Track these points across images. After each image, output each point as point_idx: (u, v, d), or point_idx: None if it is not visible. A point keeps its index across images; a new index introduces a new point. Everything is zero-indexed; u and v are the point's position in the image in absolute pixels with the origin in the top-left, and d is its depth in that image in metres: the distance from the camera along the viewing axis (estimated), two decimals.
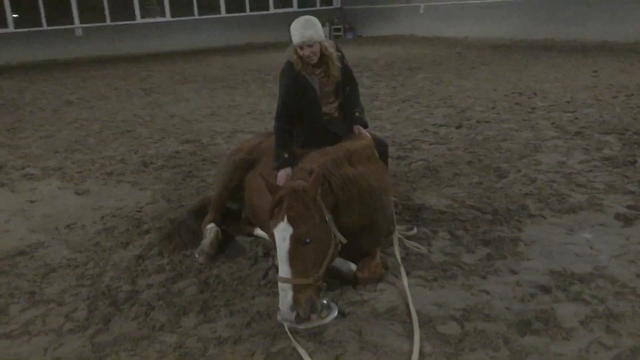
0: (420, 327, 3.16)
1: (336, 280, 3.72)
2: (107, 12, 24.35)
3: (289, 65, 4.21)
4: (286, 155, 4.13)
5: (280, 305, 3.21)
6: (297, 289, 3.14)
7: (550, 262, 3.88)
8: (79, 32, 24.10)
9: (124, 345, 3.24)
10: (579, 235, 4.27)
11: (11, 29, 23.27)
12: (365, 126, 4.48)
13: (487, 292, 3.54)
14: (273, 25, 25.09)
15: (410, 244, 4.21)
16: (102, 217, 5.28)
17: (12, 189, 6.33)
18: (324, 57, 4.22)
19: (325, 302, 3.37)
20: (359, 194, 3.60)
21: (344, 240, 3.41)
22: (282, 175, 4.01)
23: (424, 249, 4.13)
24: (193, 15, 25.51)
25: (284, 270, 3.16)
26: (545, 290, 3.52)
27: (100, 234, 4.89)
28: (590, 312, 3.27)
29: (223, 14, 25.65)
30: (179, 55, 21.68)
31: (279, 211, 3.25)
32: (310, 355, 2.95)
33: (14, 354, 3.24)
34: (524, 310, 3.32)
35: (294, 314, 3.15)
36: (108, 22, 24.46)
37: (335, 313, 3.34)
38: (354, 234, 3.70)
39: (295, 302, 3.13)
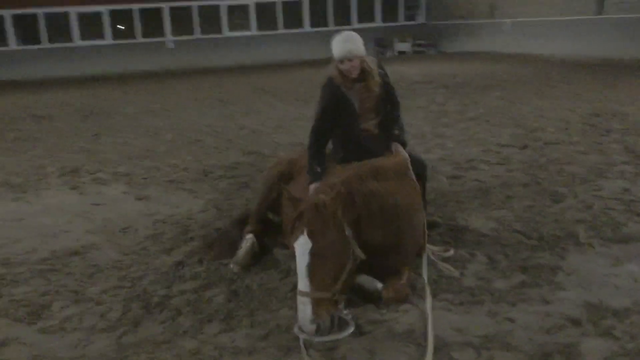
0: (434, 351, 3.10)
1: (360, 297, 3.71)
2: (196, 25, 25.36)
3: (329, 80, 4.27)
4: (319, 170, 4.17)
5: (299, 319, 3.24)
6: (316, 303, 3.17)
7: (587, 293, 3.70)
8: (170, 45, 25.20)
9: (145, 347, 3.37)
10: (625, 266, 4.05)
11: (109, 40, 24.66)
12: (404, 145, 4.45)
13: (513, 321, 3.42)
14: None
15: (443, 266, 4.14)
16: (154, 223, 5.51)
17: (81, 192, 6.71)
18: (364, 73, 4.24)
19: (342, 316, 3.37)
20: (381, 210, 3.58)
21: (363, 256, 3.40)
22: (313, 189, 4.04)
23: (455, 272, 4.05)
24: (277, 29, 26.11)
25: (303, 284, 3.20)
26: (575, 322, 3.36)
27: (148, 239, 5.11)
28: (618, 348, 3.09)
29: (307, 28, 26.13)
30: (262, 68, 22.25)
31: (299, 225, 3.29)
32: None
33: (46, 348, 3.44)
34: (547, 342, 3.19)
35: (313, 327, 3.17)
36: (198, 35, 25.45)
37: (352, 329, 3.33)
38: (380, 252, 3.71)
39: (315, 315, 3.15)
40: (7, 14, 23.57)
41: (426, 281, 3.81)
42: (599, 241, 4.50)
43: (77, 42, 24.46)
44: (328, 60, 4.28)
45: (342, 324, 3.34)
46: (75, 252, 4.91)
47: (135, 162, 8.01)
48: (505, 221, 5.02)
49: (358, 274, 3.84)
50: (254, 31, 26.18)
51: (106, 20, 24.51)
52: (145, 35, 25.10)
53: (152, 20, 25.07)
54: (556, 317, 3.43)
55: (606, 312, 3.46)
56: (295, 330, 3.28)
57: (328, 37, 4.57)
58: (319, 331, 3.19)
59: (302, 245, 3.21)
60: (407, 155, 4.31)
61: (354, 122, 4.32)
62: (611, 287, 3.75)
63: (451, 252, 4.38)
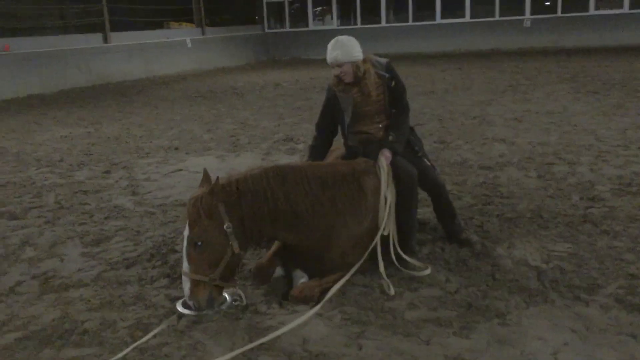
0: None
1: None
2: (558, 3, 24.01)
3: (329, 84, 4.39)
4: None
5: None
6: (193, 283, 3.57)
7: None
8: (527, 24, 24.51)
9: None
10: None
11: (467, 19, 25.32)
12: (395, 152, 4.25)
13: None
14: None
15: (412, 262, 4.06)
16: None
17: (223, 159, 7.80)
18: (357, 77, 4.24)
19: (228, 297, 3.71)
20: (270, 213, 3.67)
21: (237, 250, 3.59)
22: None
23: (425, 270, 3.98)
24: None
25: (184, 265, 3.63)
26: None
27: None
28: None
29: None
30: (635, 50, 19.92)
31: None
32: None
33: None
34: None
35: (191, 302, 3.63)
36: (558, 14, 24.10)
37: (227, 300, 3.69)
38: (305, 253, 3.85)
39: (192, 294, 3.58)
40: None
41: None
42: None
43: (438, 20, 25.74)
44: None
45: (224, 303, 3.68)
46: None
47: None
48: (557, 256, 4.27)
49: (293, 268, 4.05)
50: (625, 9, 23.40)
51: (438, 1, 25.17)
52: (503, 13, 24.90)
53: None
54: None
55: None
56: (177, 305, 3.73)
57: None
58: (197, 309, 3.60)
59: (185, 232, 3.62)
60: (383, 164, 4.14)
61: (343, 125, 4.35)
62: None
63: (428, 270, 4.07)
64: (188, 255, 3.57)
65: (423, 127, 9.26)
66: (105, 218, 5.68)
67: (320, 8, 27.85)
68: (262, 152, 8.16)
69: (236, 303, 3.74)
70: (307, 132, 9.29)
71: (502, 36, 24.72)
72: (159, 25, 24.25)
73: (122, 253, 4.80)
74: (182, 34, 23.08)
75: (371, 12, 27.07)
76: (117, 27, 21.03)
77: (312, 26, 27.77)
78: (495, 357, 3.11)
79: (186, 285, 3.57)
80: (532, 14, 24.56)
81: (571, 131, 8.36)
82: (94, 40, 18.56)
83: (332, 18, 27.70)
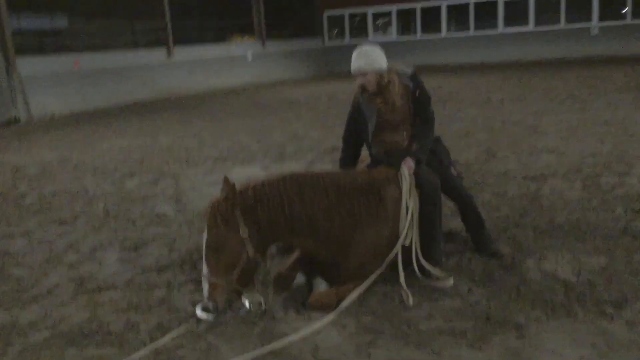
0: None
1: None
2: (629, 11, 23.19)
3: (355, 93, 4.41)
4: None
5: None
6: (211, 286, 3.66)
7: None
8: (594, 31, 23.76)
9: None
10: None
11: (531, 27, 24.79)
12: (419, 161, 4.22)
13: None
14: None
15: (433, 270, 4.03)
16: None
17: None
18: (380, 86, 4.25)
19: (247, 302, 3.77)
20: (286, 220, 3.70)
21: (252, 255, 3.64)
22: None
23: (448, 280, 3.96)
24: None
25: (204, 268, 3.73)
26: None
27: None
28: None
29: None
30: None
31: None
32: None
33: None
34: None
35: (209, 304, 3.71)
36: (628, 21, 23.26)
37: (246, 305, 3.75)
38: (323, 261, 3.89)
39: (210, 296, 3.67)
40: (444, 4, 26.04)
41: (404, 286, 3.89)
42: None
43: (501, 29, 25.30)
44: None
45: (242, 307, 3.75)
46: None
47: None
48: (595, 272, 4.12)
49: (314, 276, 4.08)
50: None
51: (531, 7, 24.60)
52: (569, 21, 24.22)
53: (576, 6, 23.97)
54: None
55: None
56: (197, 308, 3.81)
57: None
58: (214, 310, 3.68)
59: (204, 237, 3.72)
60: (405, 173, 4.11)
61: (366, 134, 4.37)
62: None
63: (449, 282, 4.02)
64: (207, 259, 3.66)
65: (472, 137, 9.12)
66: (146, 225, 5.88)
67: (382, 21, 27.90)
68: (306, 161, 8.24)
69: (254, 309, 3.79)
70: None
71: (568, 45, 24.05)
72: (222, 40, 24.89)
73: (156, 259, 4.95)
74: (243, 47, 23.57)
75: (431, 23, 26.89)
76: (181, 41, 21.77)
77: (371, 38, 27.82)
78: None
79: (205, 288, 3.66)
80: (599, 21, 23.77)
81: (627, 141, 8.04)
82: (158, 55, 19.21)
83: (391, 30, 27.68)
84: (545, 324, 3.47)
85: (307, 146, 9.35)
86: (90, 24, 17.47)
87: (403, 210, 4.04)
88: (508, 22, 25.41)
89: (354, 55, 4.27)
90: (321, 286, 3.97)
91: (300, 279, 4.20)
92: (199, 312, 3.74)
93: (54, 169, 8.86)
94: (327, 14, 28.31)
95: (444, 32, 26.65)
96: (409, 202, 4.06)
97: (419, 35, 27.22)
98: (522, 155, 7.72)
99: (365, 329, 3.54)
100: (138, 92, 17.61)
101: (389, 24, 27.99)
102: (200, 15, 23.26)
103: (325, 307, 3.75)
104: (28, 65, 14.83)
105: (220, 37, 24.69)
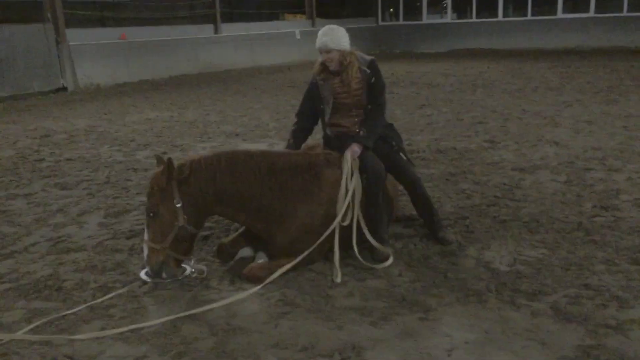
0: None
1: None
2: None
3: (313, 72, 4.56)
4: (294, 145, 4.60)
5: None
6: (150, 250, 3.97)
7: None
8: None
9: None
10: None
11: (592, 14, 23.96)
12: (366, 147, 4.37)
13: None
14: None
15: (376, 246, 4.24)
16: None
17: None
18: (341, 66, 4.40)
19: (188, 269, 4.07)
20: (217, 193, 3.94)
21: (183, 223, 3.89)
22: None
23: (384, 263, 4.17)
24: None
25: (145, 233, 4.02)
26: None
27: None
28: None
29: None
30: None
31: None
32: None
33: None
34: None
35: (147, 268, 4.02)
36: None
37: (186, 271, 4.06)
38: (260, 236, 4.15)
39: (147, 259, 3.97)
40: None
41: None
42: None
43: (560, 15, 24.54)
44: None
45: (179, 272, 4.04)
46: None
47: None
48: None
49: (257, 250, 4.34)
50: None
51: None
52: (631, 9, 23.25)
53: None
54: None
55: None
56: (141, 272, 4.12)
57: None
58: (152, 274, 4.00)
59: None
60: (347, 156, 4.28)
61: (323, 115, 4.54)
62: None
63: (387, 263, 4.20)
64: (147, 225, 3.96)
65: (483, 125, 9.09)
66: (138, 194, 6.24)
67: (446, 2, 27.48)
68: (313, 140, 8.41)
69: (194, 275, 4.08)
70: None
71: (629, 33, 23.10)
72: (274, 17, 25.22)
73: (132, 225, 5.30)
74: (292, 25, 23.78)
75: (488, 6, 26.31)
76: (231, 18, 22.22)
77: (425, 19, 27.50)
78: (390, 347, 3.21)
79: (145, 252, 3.96)
80: None
81: (637, 137, 7.86)
82: (205, 31, 19.69)
83: (446, 11, 27.26)
84: (453, 309, 3.61)
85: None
86: None
87: (342, 192, 4.21)
88: (567, 7, 24.61)
89: (321, 32, 4.42)
90: (261, 260, 4.21)
91: (248, 252, 4.45)
92: (142, 274, 4.06)
93: (79, 137, 9.40)
94: None
95: (500, 15, 26.03)
96: (349, 184, 4.23)
97: (474, 17, 26.70)
98: (523, 146, 7.69)
99: (285, 301, 3.77)
100: (183, 66, 18.14)
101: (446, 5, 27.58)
102: None
103: (256, 280, 4.00)
104: (77, 37, 15.53)
105: (272, 15, 25.07)
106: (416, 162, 7.03)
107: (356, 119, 4.54)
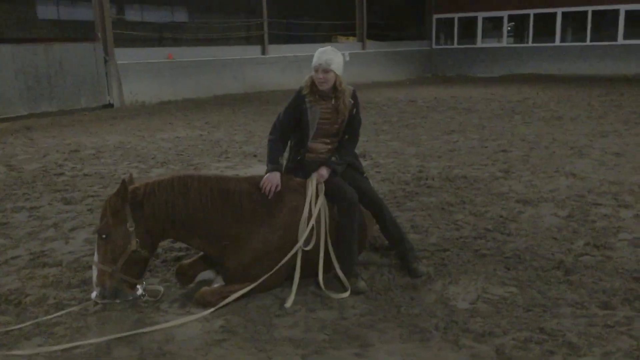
0: None
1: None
2: None
3: (300, 88, 4.44)
4: (282, 162, 4.48)
5: None
6: (100, 273, 3.94)
7: None
8: None
9: None
10: None
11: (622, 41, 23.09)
12: (334, 172, 4.33)
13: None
14: None
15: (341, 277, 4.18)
16: None
17: None
18: (337, 92, 4.34)
19: (140, 290, 4.07)
20: (169, 217, 3.93)
21: (135, 247, 3.90)
22: (272, 179, 4.21)
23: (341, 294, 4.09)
24: None
25: (95, 255, 4.04)
26: None
27: None
28: None
29: None
30: None
31: None
32: None
33: None
34: None
35: (97, 290, 4.04)
36: None
37: (137, 293, 4.04)
38: (215, 261, 4.15)
39: (97, 281, 3.96)
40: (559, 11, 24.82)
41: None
42: None
43: (620, 41, 23.71)
44: None
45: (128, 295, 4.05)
46: None
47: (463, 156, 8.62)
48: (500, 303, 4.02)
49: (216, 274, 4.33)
50: None
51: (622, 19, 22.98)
52: None
53: None
54: None
55: None
56: (93, 292, 4.13)
57: None
58: (101, 296, 4.01)
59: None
60: (313, 180, 4.25)
61: (304, 137, 4.44)
62: None
63: (344, 294, 4.11)
64: (97, 247, 3.99)
65: (504, 154, 8.82)
66: None
67: (512, 24, 27.04)
68: None
69: (145, 298, 4.09)
70: (384, 149, 9.36)
71: None
72: (326, 39, 25.44)
73: None
74: (342, 47, 23.89)
75: (546, 30, 25.69)
76: (287, 40, 22.62)
77: (480, 43, 27.11)
78: None
79: (94, 274, 3.99)
80: None
81: None
82: (252, 52, 20.03)
83: (502, 35, 26.79)
84: (392, 346, 3.48)
85: None
86: (186, 19, 18.57)
87: (305, 215, 4.15)
88: (628, 33, 23.74)
89: (321, 51, 4.32)
90: (217, 284, 4.19)
91: (209, 274, 4.43)
92: (93, 295, 4.09)
93: (105, 153, 9.69)
94: (436, 17, 27.93)
95: (557, 40, 25.38)
96: (314, 209, 4.16)
97: (530, 42, 26.12)
98: (537, 176, 7.40)
99: (225, 328, 3.73)
100: (228, 85, 18.49)
101: (513, 29, 27.13)
102: (301, 15, 23.94)
103: (206, 304, 3.97)
104: (125, 56, 16.09)
105: (325, 37, 25.32)
106: (419, 189, 6.90)
107: (330, 147, 4.48)
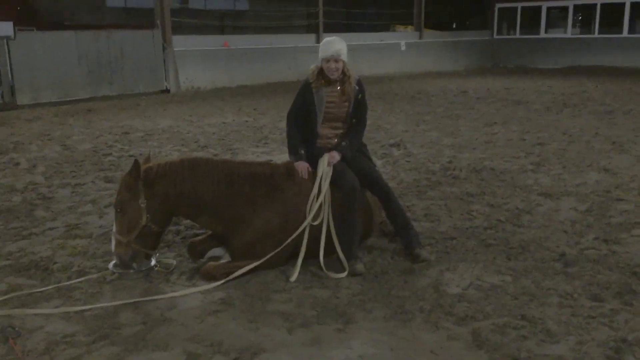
0: None
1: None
2: None
3: (306, 78, 4.72)
4: (302, 152, 4.71)
5: None
6: (116, 242, 4.32)
7: None
8: None
9: None
10: None
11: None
12: (344, 157, 4.56)
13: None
14: None
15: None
16: None
17: None
18: (344, 77, 4.61)
19: (153, 261, 4.42)
20: (177, 196, 4.23)
21: (145, 222, 4.23)
22: (302, 165, 4.57)
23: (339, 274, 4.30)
24: None
25: (113, 226, 4.41)
26: None
27: None
28: None
29: None
30: None
31: None
32: None
33: None
34: None
35: (114, 258, 4.40)
36: None
37: (151, 264, 4.39)
38: (222, 238, 4.45)
39: (115, 250, 4.31)
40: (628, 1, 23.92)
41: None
42: None
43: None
44: None
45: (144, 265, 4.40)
46: None
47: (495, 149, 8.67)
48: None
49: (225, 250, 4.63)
50: None
51: None
52: None
53: None
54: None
55: None
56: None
57: None
58: (119, 264, 4.38)
59: None
60: (325, 161, 4.53)
61: (312, 124, 4.69)
62: None
63: (342, 275, 4.32)
64: (115, 219, 4.35)
65: (541, 147, 8.76)
66: None
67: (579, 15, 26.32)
68: None
69: (156, 269, 4.42)
70: (420, 139, 9.45)
71: None
72: (384, 28, 25.46)
73: None
74: (398, 37, 23.85)
75: (613, 21, 24.80)
76: (352, 29, 22.78)
77: (544, 34, 26.42)
78: (289, 352, 3.36)
79: (112, 243, 4.35)
80: None
81: None
82: (307, 40, 20.30)
83: (567, 25, 26.03)
84: (374, 324, 3.66)
85: (376, 138, 9.60)
86: (248, 6, 18.96)
87: (314, 191, 4.43)
88: None
89: (330, 41, 4.60)
90: (221, 254, 4.49)
91: (219, 251, 4.74)
92: (110, 266, 4.46)
93: (153, 136, 10.18)
94: (498, 6, 27.38)
95: (625, 31, 24.45)
96: (323, 186, 4.41)
97: (596, 33, 25.27)
98: (568, 170, 7.35)
99: (224, 300, 4.00)
100: (281, 73, 18.82)
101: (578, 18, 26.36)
102: (361, 4, 24.00)
103: (211, 278, 4.27)
104: (182, 43, 16.66)
105: (384, 26, 25.36)
106: (444, 180, 7.00)
107: (338, 132, 4.69)
